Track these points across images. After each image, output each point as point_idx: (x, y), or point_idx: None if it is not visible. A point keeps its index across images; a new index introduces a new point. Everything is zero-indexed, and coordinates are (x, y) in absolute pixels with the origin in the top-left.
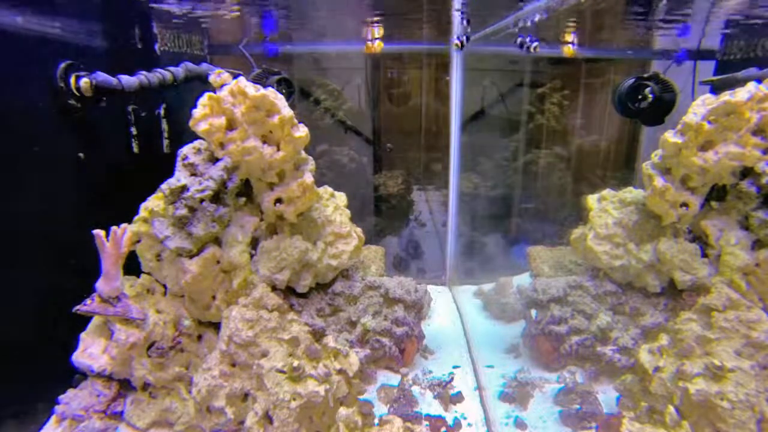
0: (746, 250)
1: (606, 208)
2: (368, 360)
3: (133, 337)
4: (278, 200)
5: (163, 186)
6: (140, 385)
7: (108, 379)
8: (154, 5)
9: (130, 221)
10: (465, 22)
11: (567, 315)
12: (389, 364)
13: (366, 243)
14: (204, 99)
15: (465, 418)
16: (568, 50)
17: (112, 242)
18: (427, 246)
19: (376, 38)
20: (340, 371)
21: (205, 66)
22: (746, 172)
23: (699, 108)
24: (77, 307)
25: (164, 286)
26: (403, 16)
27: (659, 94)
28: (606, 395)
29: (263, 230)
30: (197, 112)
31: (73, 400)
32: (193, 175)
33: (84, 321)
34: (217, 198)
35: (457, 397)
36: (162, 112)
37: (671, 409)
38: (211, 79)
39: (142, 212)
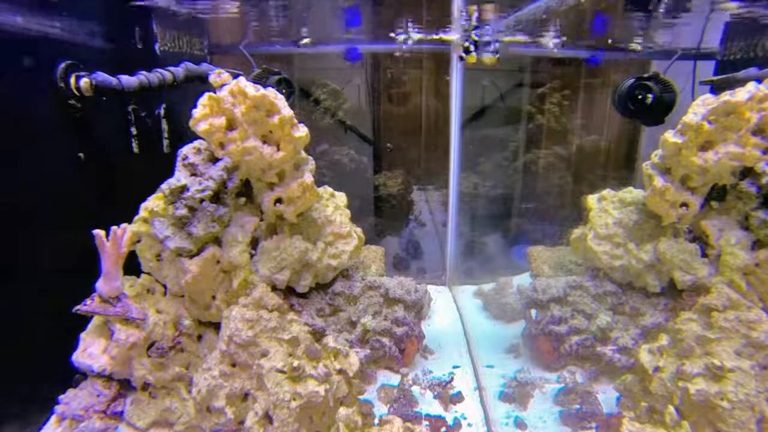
0: (746, 250)
1: (606, 208)
2: (368, 360)
3: (133, 337)
4: (278, 200)
5: (163, 186)
6: (140, 385)
7: (108, 379)
8: (153, 5)
9: (130, 221)
10: (475, 19)
11: (567, 315)
12: (389, 364)
13: (366, 243)
14: (204, 99)
15: (465, 418)
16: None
17: (112, 242)
18: (427, 246)
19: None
20: (340, 371)
21: (205, 66)
22: (746, 172)
23: (699, 108)
24: (77, 307)
25: (164, 286)
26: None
27: (659, 94)
28: (606, 395)
29: (263, 230)
30: (197, 112)
31: (73, 400)
32: (193, 175)
33: (84, 321)
34: (217, 198)
35: (457, 397)
36: (162, 112)
37: (671, 409)
38: (211, 79)
39: (142, 212)
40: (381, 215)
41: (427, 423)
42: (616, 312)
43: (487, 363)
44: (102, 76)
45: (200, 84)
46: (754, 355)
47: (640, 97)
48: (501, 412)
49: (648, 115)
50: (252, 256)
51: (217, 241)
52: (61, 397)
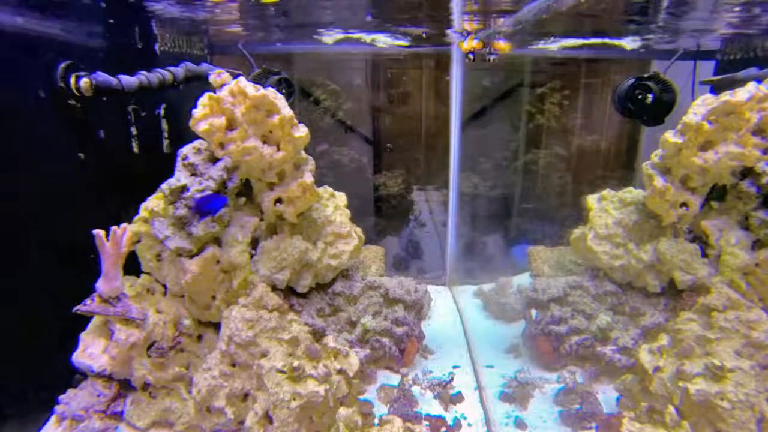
0: (746, 250)
1: (606, 208)
2: (368, 360)
3: (133, 337)
4: (278, 200)
5: (163, 186)
6: (140, 385)
7: (108, 379)
8: (152, 5)
9: (130, 221)
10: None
11: (567, 315)
12: (389, 364)
13: (366, 243)
14: (204, 99)
15: (465, 418)
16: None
17: (112, 242)
18: (427, 246)
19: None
20: (340, 371)
21: (205, 66)
22: (746, 172)
23: (699, 108)
24: (77, 307)
25: (164, 286)
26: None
27: (659, 94)
28: (606, 395)
29: (263, 230)
30: (197, 112)
31: (73, 400)
32: (193, 175)
33: (84, 321)
34: None
35: (457, 397)
36: (162, 112)
37: (671, 409)
38: (211, 79)
39: (142, 212)
40: (381, 215)
41: (427, 423)
42: (616, 312)
43: (487, 363)
44: (102, 76)
45: (200, 84)
46: (754, 355)
47: (640, 97)
48: (501, 412)
49: (648, 115)
50: (252, 256)
51: (217, 241)
52: (61, 397)
